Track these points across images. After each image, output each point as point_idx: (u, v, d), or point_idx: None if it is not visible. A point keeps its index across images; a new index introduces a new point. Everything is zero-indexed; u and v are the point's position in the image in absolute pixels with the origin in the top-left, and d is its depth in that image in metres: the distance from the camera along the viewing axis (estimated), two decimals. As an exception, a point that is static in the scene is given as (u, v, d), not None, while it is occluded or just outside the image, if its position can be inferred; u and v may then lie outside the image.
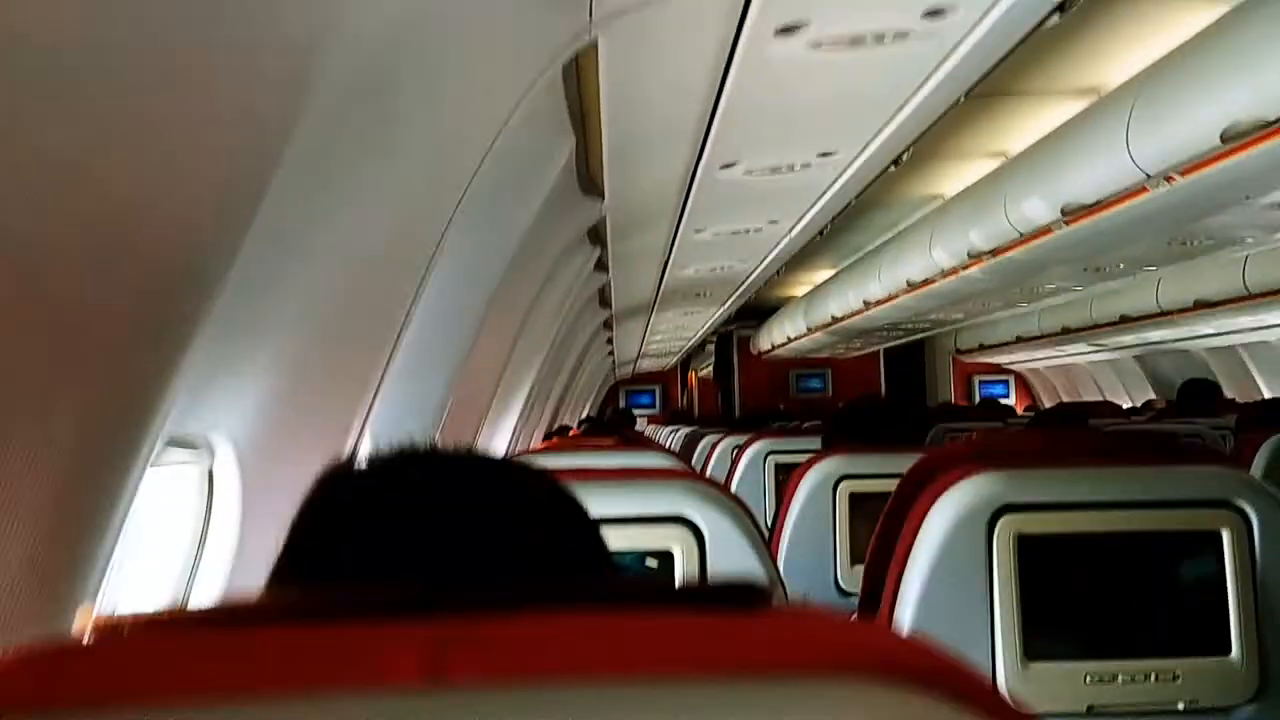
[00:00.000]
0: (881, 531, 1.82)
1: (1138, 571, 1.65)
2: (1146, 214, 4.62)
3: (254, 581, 1.75)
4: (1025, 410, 14.00)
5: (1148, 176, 4.10)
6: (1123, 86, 4.25)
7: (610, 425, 8.99)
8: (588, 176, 3.53)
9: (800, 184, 4.25)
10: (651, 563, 1.60)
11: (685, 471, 1.68)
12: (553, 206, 3.14)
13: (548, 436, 6.57)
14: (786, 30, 2.40)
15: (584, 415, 12.72)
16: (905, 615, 1.66)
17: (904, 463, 2.73)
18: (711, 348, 15.93)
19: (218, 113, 1.14)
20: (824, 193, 4.41)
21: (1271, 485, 1.67)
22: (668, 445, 8.82)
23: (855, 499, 2.80)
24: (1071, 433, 1.85)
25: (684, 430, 8.51)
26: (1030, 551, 1.64)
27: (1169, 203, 4.36)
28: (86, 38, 0.88)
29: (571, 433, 5.69)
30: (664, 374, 17.43)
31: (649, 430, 12.59)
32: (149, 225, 1.08)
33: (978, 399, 15.76)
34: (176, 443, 1.40)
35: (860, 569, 2.81)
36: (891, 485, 2.75)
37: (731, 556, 1.58)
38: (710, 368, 17.04)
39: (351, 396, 1.90)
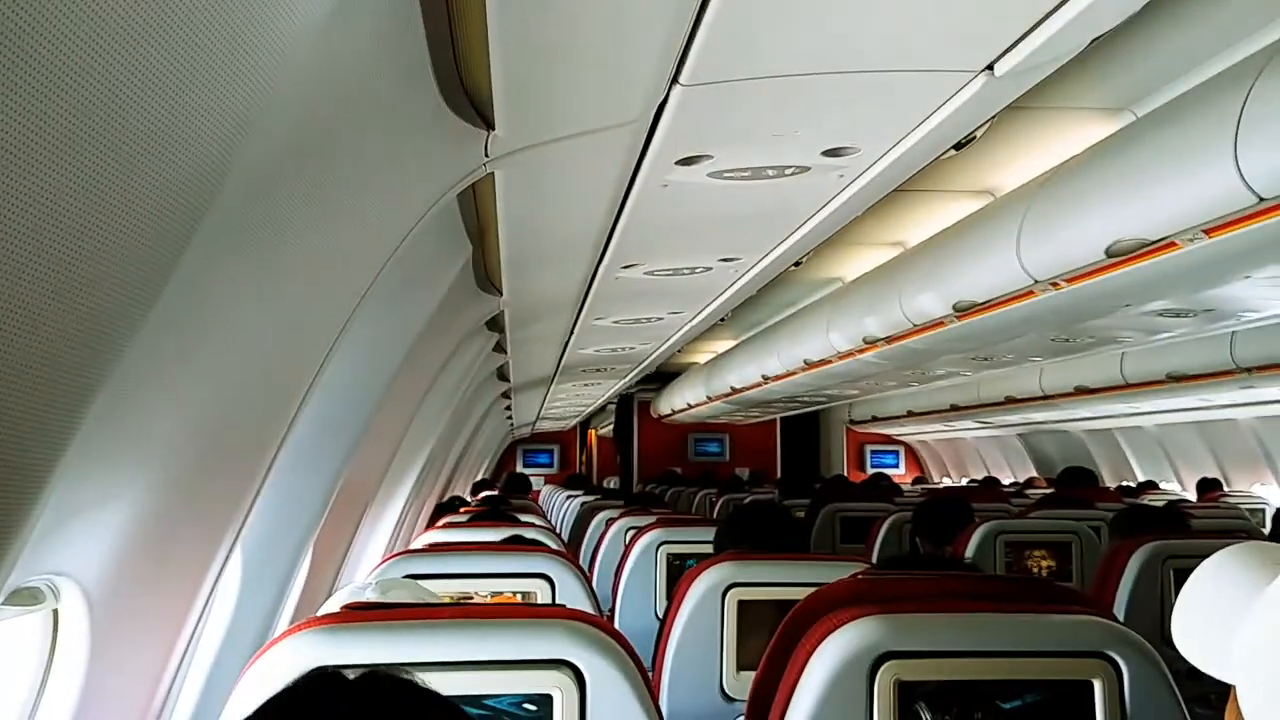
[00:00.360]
0: (764, 671, 1.81)
1: (1016, 718, 1.66)
2: (1034, 314, 4.76)
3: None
4: (914, 482, 14.27)
5: (1035, 281, 4.22)
6: (1016, 193, 4.38)
7: (506, 491, 8.90)
8: (485, 277, 3.51)
9: (702, 283, 4.29)
10: (530, 708, 1.57)
11: (569, 612, 1.65)
12: (450, 303, 3.11)
13: (438, 510, 6.46)
14: (687, 161, 2.42)
15: (479, 478, 12.59)
16: (786, 761, 1.65)
17: (792, 571, 2.78)
18: (613, 408, 15.93)
19: (101, 235, 1.09)
20: (725, 290, 4.45)
21: (1140, 636, 1.70)
22: (563, 513, 8.79)
23: (743, 605, 2.81)
24: (951, 576, 1.86)
25: (580, 499, 8.47)
26: (910, 699, 1.64)
27: (1055, 306, 4.50)
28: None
29: (463, 509, 5.60)
30: (563, 434, 17.36)
31: (545, 492, 12.51)
32: (25, 356, 1.02)
33: (869, 468, 16.01)
34: (17, 599, 1.33)
35: (745, 676, 2.83)
36: (779, 594, 2.80)
37: (613, 699, 1.56)
38: (611, 427, 17.02)
39: (223, 514, 1.84)
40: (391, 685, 0.95)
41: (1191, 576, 0.98)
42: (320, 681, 0.94)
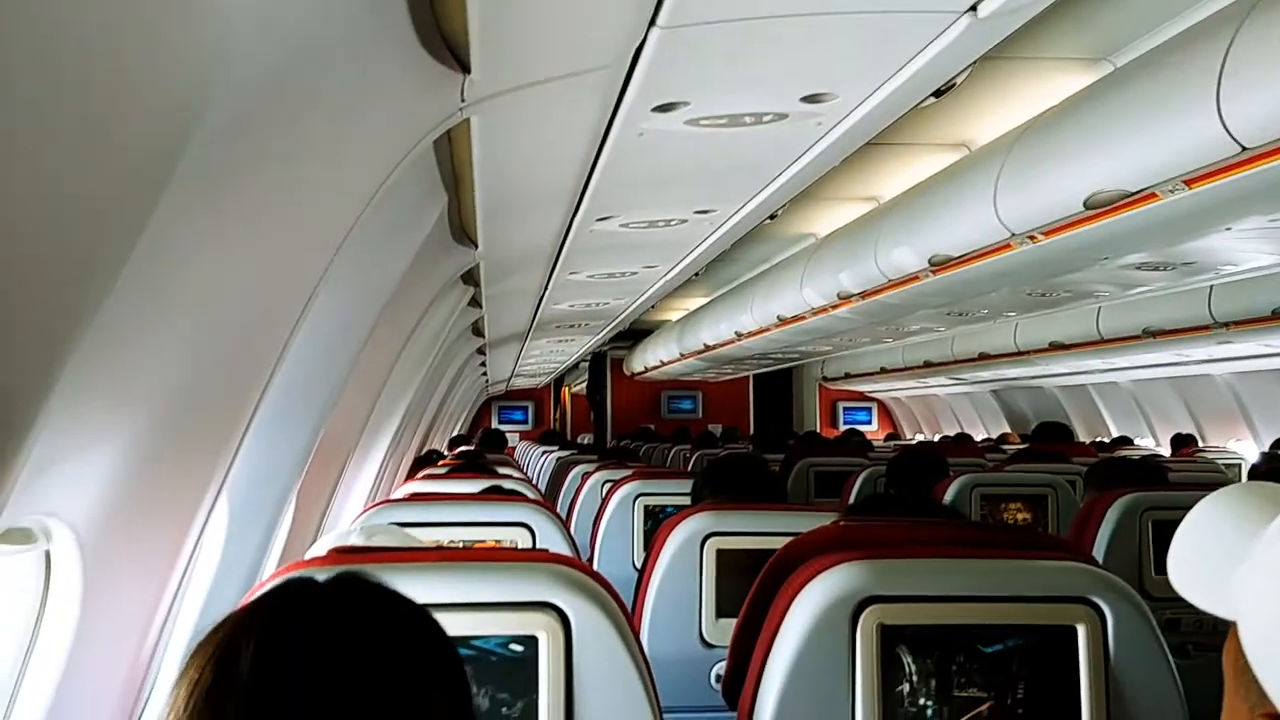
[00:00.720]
0: (746, 618, 1.81)
1: (1002, 664, 1.67)
2: (1010, 268, 4.77)
3: (94, 664, 1.67)
4: (886, 438, 14.36)
5: (1012, 235, 4.22)
6: (992, 145, 4.37)
7: (483, 446, 8.91)
8: (460, 228, 3.48)
9: (677, 236, 4.26)
10: (517, 648, 1.56)
11: (553, 556, 1.65)
12: (426, 256, 3.08)
13: (416, 464, 6.45)
14: (664, 108, 2.39)
15: (455, 433, 12.58)
16: (767, 706, 1.65)
17: (770, 521, 2.79)
18: (586, 365, 15.93)
19: (79, 173, 1.07)
20: (700, 243, 4.43)
21: (1123, 580, 1.71)
22: (538, 469, 8.81)
23: (722, 554, 2.82)
24: (935, 522, 1.86)
25: (555, 454, 8.49)
26: (892, 643, 1.65)
27: (1031, 260, 4.51)
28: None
29: (441, 463, 5.59)
30: (538, 390, 17.37)
31: (520, 448, 12.54)
32: (3, 287, 1.00)
33: (842, 425, 16.09)
34: (9, 539, 1.31)
35: (724, 623, 2.85)
36: (757, 543, 2.82)
37: (599, 644, 1.56)
38: (584, 384, 17.03)
39: (208, 460, 1.83)
40: (361, 586, 1.00)
41: (1188, 515, 0.98)
42: (294, 584, 0.98)
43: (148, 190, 1.20)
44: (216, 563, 2.42)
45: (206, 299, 1.62)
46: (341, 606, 0.96)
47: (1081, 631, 1.66)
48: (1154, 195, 3.37)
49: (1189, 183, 3.19)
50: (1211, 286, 6.29)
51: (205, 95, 1.22)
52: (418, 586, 1.49)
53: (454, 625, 1.49)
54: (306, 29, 1.45)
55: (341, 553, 1.50)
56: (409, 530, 1.95)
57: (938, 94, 2.55)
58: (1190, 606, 0.95)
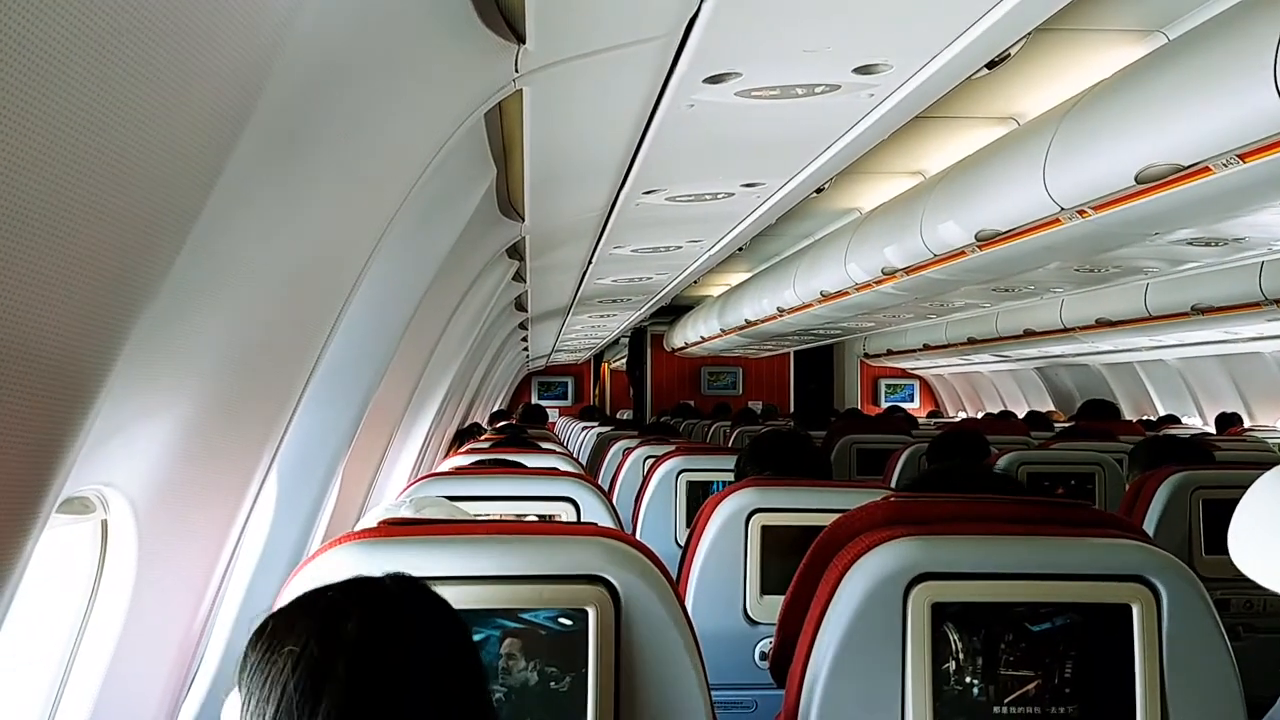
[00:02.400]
0: (795, 592, 1.80)
1: (1050, 643, 1.66)
2: (1058, 243, 4.71)
3: (148, 633, 1.69)
4: (929, 415, 14.27)
5: (1061, 209, 4.17)
6: (1042, 119, 4.31)
7: (524, 421, 8.94)
8: (507, 201, 3.47)
9: (723, 210, 4.23)
10: (566, 622, 1.57)
11: (604, 530, 1.65)
12: (473, 229, 3.08)
13: (458, 436, 6.48)
14: (715, 79, 2.37)
15: (496, 408, 12.64)
16: (818, 680, 1.65)
17: (815, 498, 2.78)
18: (626, 341, 15.94)
19: (146, 146, 1.07)
20: (746, 217, 4.40)
21: (1180, 559, 1.69)
22: (579, 444, 8.83)
23: (766, 530, 2.81)
24: (986, 498, 1.84)
25: (596, 429, 8.50)
26: (943, 620, 1.64)
27: (1080, 234, 4.45)
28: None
29: (483, 437, 5.62)
30: (577, 366, 17.40)
31: (561, 423, 12.57)
32: (72, 260, 1.01)
33: (883, 402, 16.02)
34: (68, 508, 1.33)
35: (769, 600, 2.84)
36: (802, 520, 2.80)
37: (649, 618, 1.56)
38: (624, 360, 17.04)
39: (260, 434, 1.84)
40: (415, 583, 1.15)
41: (1249, 491, 0.96)
42: (360, 579, 1.13)
43: (211, 165, 1.21)
44: (265, 535, 2.45)
45: (263, 272, 1.63)
46: (409, 593, 1.13)
47: (1136, 610, 1.64)
48: (1207, 169, 3.32)
49: (1243, 156, 3.14)
50: (1263, 263, 6.19)
51: (268, 68, 1.22)
52: (469, 559, 1.50)
53: (504, 597, 1.50)
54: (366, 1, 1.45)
55: (393, 524, 1.50)
56: (455, 504, 1.95)
57: (990, 65, 2.50)
58: (1241, 587, 0.93)
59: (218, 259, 1.49)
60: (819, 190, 4.29)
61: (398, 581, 1.13)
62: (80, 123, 0.90)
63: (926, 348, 12.95)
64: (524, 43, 1.97)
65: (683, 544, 3.24)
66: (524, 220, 3.78)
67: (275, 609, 1.12)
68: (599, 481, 5.68)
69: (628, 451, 5.13)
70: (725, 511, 2.78)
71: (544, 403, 15.36)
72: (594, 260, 5.56)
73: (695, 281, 8.05)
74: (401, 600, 1.11)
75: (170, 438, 1.52)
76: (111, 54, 0.92)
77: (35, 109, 0.84)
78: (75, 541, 1.50)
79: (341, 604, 1.07)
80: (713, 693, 1.61)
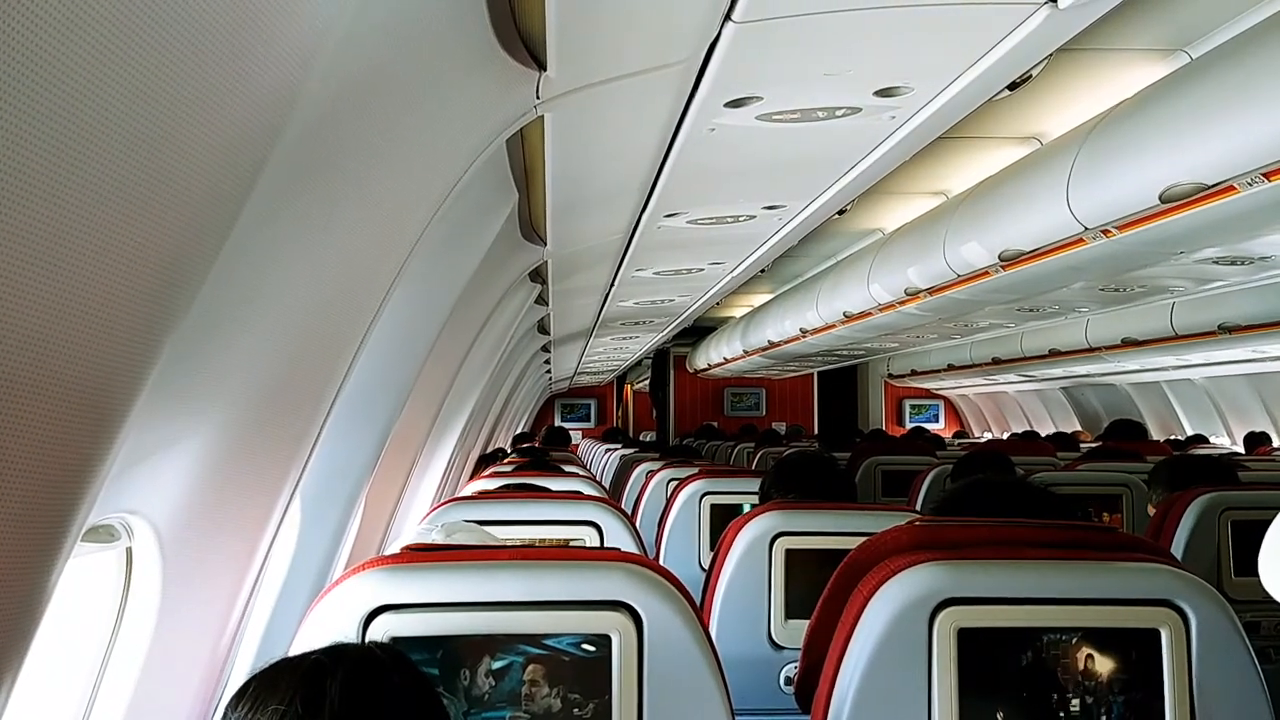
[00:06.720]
0: (820, 617, 1.79)
1: (1078, 668, 1.64)
2: (1082, 263, 4.69)
3: (173, 661, 1.70)
4: (954, 436, 14.19)
5: (1085, 229, 4.15)
6: (1064, 138, 4.30)
7: (547, 444, 8.94)
8: (529, 225, 3.49)
9: (745, 232, 4.24)
10: (589, 648, 1.56)
11: (626, 555, 1.64)
12: (495, 254, 3.09)
13: (481, 461, 6.49)
14: (736, 103, 2.37)
15: (519, 431, 12.65)
16: (844, 706, 1.64)
17: (840, 521, 2.77)
18: (648, 362, 15.94)
19: (177, 173, 1.08)
20: (768, 239, 4.40)
21: (1209, 583, 1.67)
22: (602, 466, 8.83)
23: (791, 554, 2.80)
24: (1013, 521, 1.83)
25: (619, 451, 8.49)
26: (970, 645, 1.63)
27: (1104, 254, 4.43)
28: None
29: (506, 460, 5.62)
30: (600, 388, 17.40)
31: (583, 445, 12.57)
32: (108, 290, 1.01)
33: (908, 423, 15.94)
34: (93, 537, 1.34)
35: (794, 624, 2.83)
36: (828, 543, 2.79)
37: (672, 644, 1.55)
38: (647, 382, 17.03)
39: (284, 460, 1.85)
40: (392, 650, 1.24)
41: (1280, 514, 0.95)
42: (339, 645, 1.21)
43: (238, 190, 1.21)
44: (289, 561, 2.45)
45: (287, 299, 1.64)
46: (389, 658, 1.21)
47: (1165, 635, 1.62)
48: (1232, 188, 3.30)
49: (1268, 175, 3.12)
50: (1290, 280, 6.14)
51: (293, 97, 1.23)
52: (492, 585, 1.50)
53: (526, 623, 1.50)
54: (390, 28, 1.46)
55: (419, 549, 1.51)
56: (485, 529, 1.96)
57: (1012, 86, 2.50)
58: (1272, 609, 0.92)
59: (241, 287, 1.50)
60: (841, 211, 4.28)
61: (378, 647, 1.24)
62: (117, 146, 0.91)
63: (951, 368, 12.89)
64: (545, 70, 1.99)
65: (707, 567, 3.24)
66: (546, 244, 3.79)
67: (256, 672, 1.18)
68: (622, 504, 5.69)
69: (651, 474, 5.13)
70: (749, 535, 2.77)
71: (567, 424, 15.36)
72: (616, 283, 5.57)
73: (718, 303, 8.05)
74: (382, 664, 1.18)
75: (194, 465, 1.53)
76: (146, 81, 0.92)
77: (75, 134, 0.85)
78: (100, 569, 1.51)
79: (325, 665, 1.14)
80: (737, 718, 1.60)
